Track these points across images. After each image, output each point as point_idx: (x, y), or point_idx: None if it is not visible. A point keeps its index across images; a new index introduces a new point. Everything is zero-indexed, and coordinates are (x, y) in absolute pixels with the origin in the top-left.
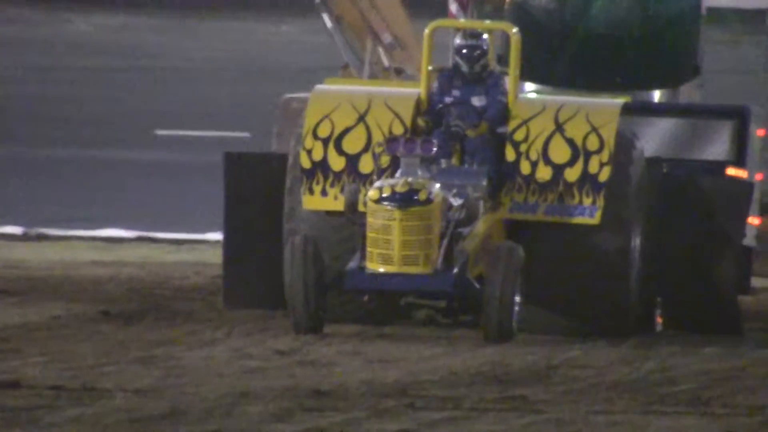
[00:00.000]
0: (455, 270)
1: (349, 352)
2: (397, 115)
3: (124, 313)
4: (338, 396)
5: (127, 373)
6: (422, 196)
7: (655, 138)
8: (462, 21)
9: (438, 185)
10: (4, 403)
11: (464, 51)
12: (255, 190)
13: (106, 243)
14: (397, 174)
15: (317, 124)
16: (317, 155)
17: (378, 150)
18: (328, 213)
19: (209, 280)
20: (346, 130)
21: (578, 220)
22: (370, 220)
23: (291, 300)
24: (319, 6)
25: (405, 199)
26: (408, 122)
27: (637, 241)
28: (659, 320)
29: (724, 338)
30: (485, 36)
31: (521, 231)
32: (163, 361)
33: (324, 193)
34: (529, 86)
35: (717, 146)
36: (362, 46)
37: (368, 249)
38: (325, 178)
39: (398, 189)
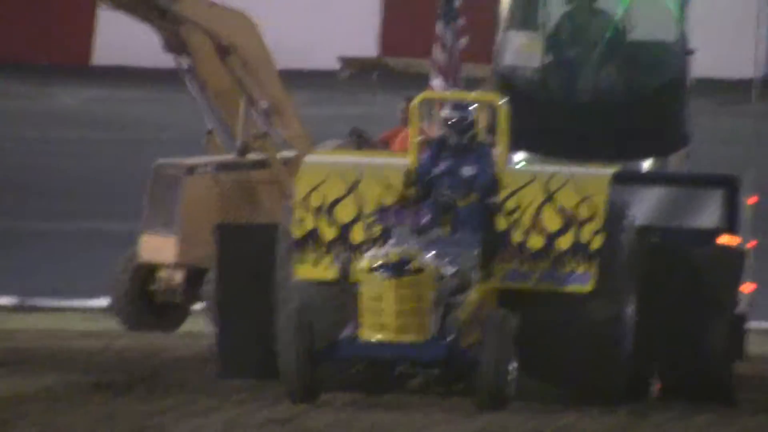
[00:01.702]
0: (449, 338)
1: (344, 420)
2: (386, 185)
3: (116, 384)
4: None
5: None
6: (414, 265)
7: (645, 207)
8: (449, 93)
9: (430, 254)
10: None
11: (452, 122)
12: (247, 260)
13: (98, 314)
14: (389, 243)
15: (307, 195)
16: (308, 225)
17: (369, 220)
18: (321, 283)
19: (202, 349)
20: (337, 201)
21: (571, 288)
22: (363, 289)
23: (285, 369)
24: (183, 73)
25: (397, 269)
26: (398, 193)
27: (629, 310)
28: (658, 387)
29: (718, 406)
30: (472, 107)
31: (514, 299)
32: None
33: (316, 262)
34: (519, 156)
35: (708, 214)
36: (228, 113)
37: (361, 318)
38: (317, 248)
39: (390, 258)
